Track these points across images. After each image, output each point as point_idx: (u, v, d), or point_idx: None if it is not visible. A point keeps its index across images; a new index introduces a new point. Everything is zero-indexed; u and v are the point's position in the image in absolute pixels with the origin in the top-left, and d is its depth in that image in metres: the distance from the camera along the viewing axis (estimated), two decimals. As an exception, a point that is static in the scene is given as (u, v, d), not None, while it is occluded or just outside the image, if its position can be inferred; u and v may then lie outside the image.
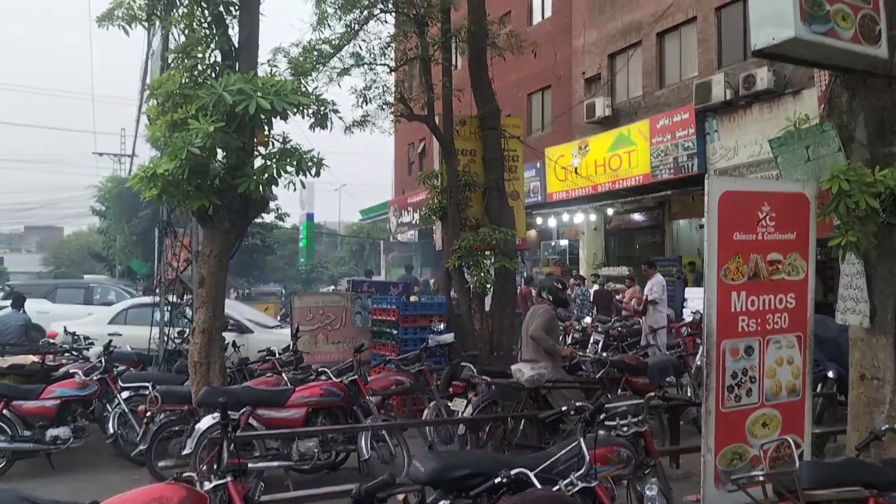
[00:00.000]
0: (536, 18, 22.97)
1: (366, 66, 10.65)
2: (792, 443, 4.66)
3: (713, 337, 4.69)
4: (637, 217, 20.55)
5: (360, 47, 10.51)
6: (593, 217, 21.05)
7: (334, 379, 6.97)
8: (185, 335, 10.10)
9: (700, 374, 10.17)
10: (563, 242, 23.79)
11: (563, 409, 4.11)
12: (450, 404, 7.32)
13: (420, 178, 11.27)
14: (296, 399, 6.63)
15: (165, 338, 9.89)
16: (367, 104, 10.82)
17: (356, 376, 6.85)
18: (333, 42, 9.94)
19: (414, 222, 28.65)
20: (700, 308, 13.94)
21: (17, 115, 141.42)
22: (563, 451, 3.90)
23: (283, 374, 7.99)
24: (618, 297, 16.28)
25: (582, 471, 3.77)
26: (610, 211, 20.49)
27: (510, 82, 20.49)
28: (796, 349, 5.00)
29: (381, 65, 10.91)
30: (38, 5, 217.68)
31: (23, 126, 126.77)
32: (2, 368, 8.33)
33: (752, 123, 15.61)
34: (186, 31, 7.30)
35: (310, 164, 6.54)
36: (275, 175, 6.45)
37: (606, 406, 4.08)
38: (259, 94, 5.98)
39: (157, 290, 10.57)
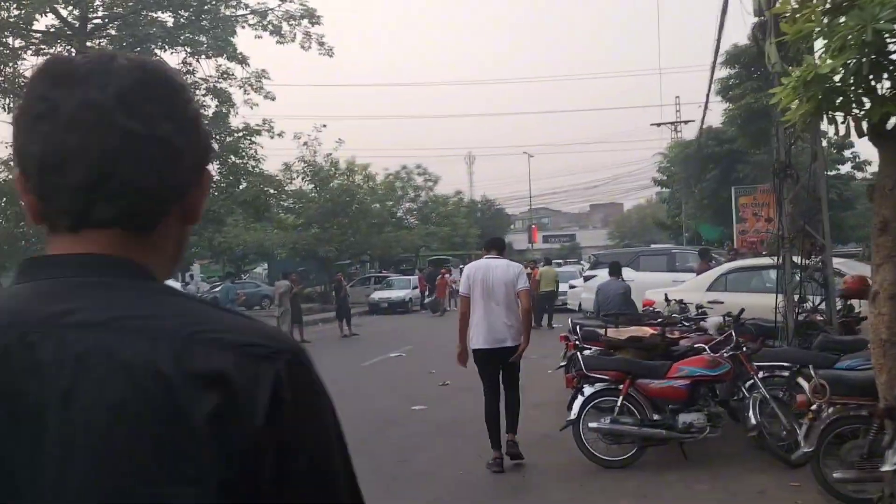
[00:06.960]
0: None
1: None
2: None
3: None
4: None
5: None
6: None
7: None
8: (817, 304, 8.12)
9: None
10: None
11: None
12: None
13: None
14: None
15: (795, 307, 7.98)
16: None
17: None
18: None
19: None
20: None
21: (576, 103, 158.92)
22: None
23: None
24: None
25: None
26: None
27: None
28: None
29: None
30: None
31: (582, 111, 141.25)
32: (619, 341, 7.56)
33: None
34: None
35: None
36: None
37: None
38: None
39: (773, 249, 8.80)
